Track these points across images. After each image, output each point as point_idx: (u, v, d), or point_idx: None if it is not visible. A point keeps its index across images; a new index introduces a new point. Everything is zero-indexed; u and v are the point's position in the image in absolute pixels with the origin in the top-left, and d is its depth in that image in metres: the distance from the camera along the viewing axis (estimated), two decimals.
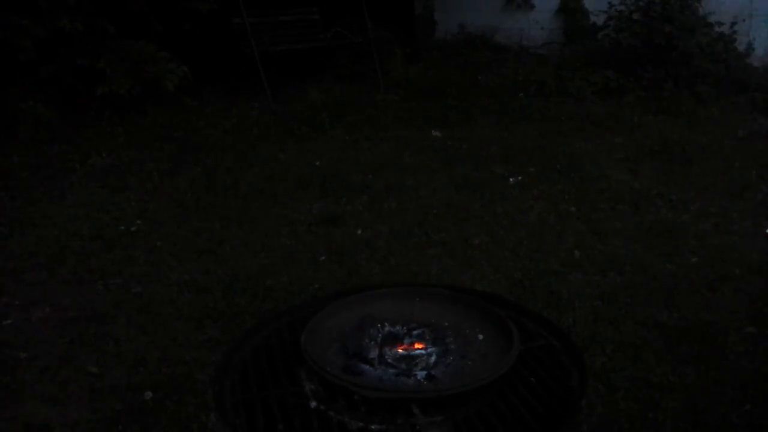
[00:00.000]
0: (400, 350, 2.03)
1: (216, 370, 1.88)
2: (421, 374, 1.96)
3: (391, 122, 5.94)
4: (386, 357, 1.99)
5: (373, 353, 1.97)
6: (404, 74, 7.43)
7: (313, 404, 1.88)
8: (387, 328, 2.11)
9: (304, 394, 1.87)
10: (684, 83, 6.20)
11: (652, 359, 2.52)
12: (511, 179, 4.48)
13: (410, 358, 2.01)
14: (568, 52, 7.40)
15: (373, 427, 1.81)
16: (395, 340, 2.06)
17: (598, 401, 2.23)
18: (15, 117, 5.45)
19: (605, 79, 6.38)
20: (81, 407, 2.32)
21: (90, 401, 2.34)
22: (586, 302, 2.90)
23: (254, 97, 6.67)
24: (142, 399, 2.34)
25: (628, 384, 2.37)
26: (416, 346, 2.05)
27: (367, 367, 1.95)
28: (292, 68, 7.60)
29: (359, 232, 3.70)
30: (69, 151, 5.08)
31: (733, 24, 6.46)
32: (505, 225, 3.76)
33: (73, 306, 2.99)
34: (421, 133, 5.60)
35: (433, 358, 2.00)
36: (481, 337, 2.11)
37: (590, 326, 2.68)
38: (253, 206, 4.11)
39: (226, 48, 7.30)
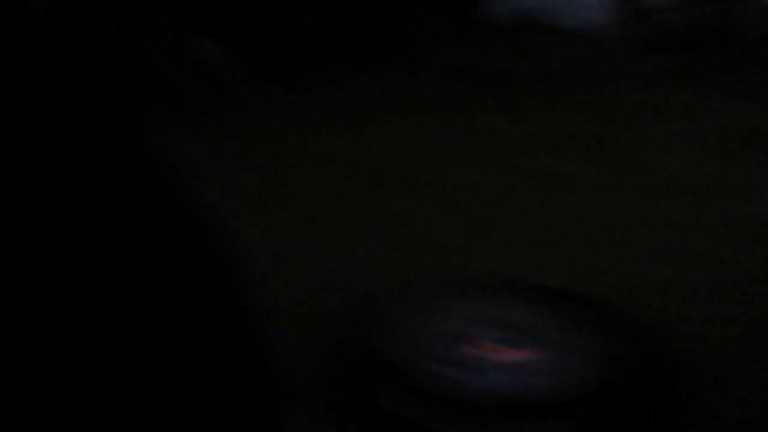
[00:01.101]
0: (505, 355, 1.97)
1: (308, 380, 1.83)
2: (530, 379, 1.88)
3: (447, 110, 5.83)
4: (490, 363, 1.92)
5: (476, 360, 1.91)
6: (457, 60, 7.30)
7: (408, 413, 1.83)
8: (485, 332, 2.04)
9: (402, 403, 1.83)
10: (757, 67, 5.94)
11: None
12: (577, 170, 4.36)
13: (515, 363, 1.94)
14: (629, 34, 7.18)
15: None
16: (496, 344, 2.00)
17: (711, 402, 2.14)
18: None
19: (669, 62, 6.18)
20: None
21: None
22: (673, 299, 2.79)
23: (306, 87, 6.62)
24: None
25: (738, 380, 2.27)
26: (518, 351, 1.98)
27: (468, 373, 1.89)
28: (343, 56, 7.53)
29: (431, 228, 3.63)
30: None
31: None
32: (573, 218, 3.65)
33: None
34: (478, 121, 5.49)
35: (539, 363, 1.92)
36: (581, 338, 2.04)
37: (687, 324, 2.58)
38: (310, 204, 4.04)
39: (276, 37, 7.26)
